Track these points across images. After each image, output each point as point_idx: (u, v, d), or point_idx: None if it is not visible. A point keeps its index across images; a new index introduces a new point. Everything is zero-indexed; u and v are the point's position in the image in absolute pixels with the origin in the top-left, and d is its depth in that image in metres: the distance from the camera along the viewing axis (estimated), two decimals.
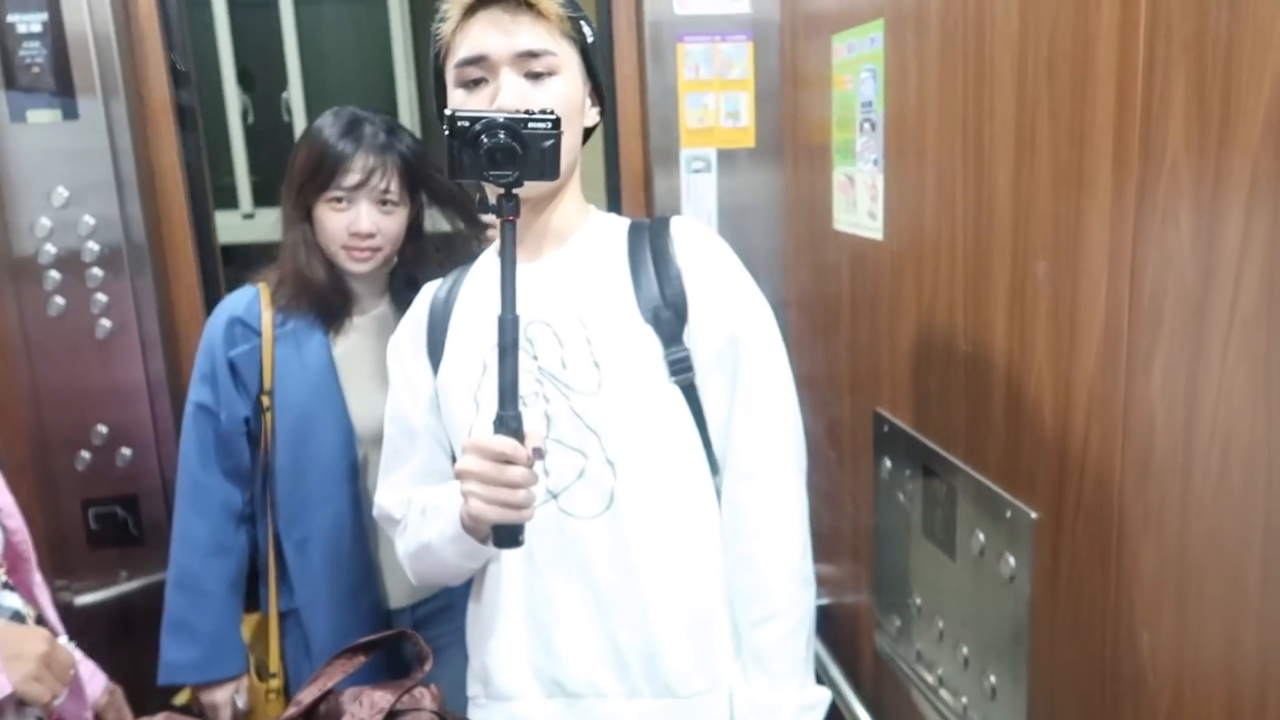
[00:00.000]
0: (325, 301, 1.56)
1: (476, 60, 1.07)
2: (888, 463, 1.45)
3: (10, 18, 1.73)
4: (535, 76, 1.07)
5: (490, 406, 1.10)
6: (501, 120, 0.92)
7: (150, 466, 1.86)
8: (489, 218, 1.05)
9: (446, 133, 0.92)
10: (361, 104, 1.60)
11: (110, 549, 1.85)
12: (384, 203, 1.52)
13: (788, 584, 1.13)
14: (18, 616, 1.18)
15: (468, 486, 0.97)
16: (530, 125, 0.93)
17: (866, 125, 1.46)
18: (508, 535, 0.99)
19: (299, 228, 1.54)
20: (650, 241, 1.15)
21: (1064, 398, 0.99)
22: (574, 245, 1.16)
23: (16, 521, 1.25)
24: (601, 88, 1.16)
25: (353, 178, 1.48)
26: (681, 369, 1.11)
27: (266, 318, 1.55)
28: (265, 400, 1.55)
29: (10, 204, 1.77)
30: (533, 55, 1.06)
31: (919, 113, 1.28)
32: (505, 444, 0.95)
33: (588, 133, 1.18)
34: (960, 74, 1.16)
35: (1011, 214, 1.07)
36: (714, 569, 1.14)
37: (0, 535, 1.21)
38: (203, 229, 1.96)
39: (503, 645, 1.14)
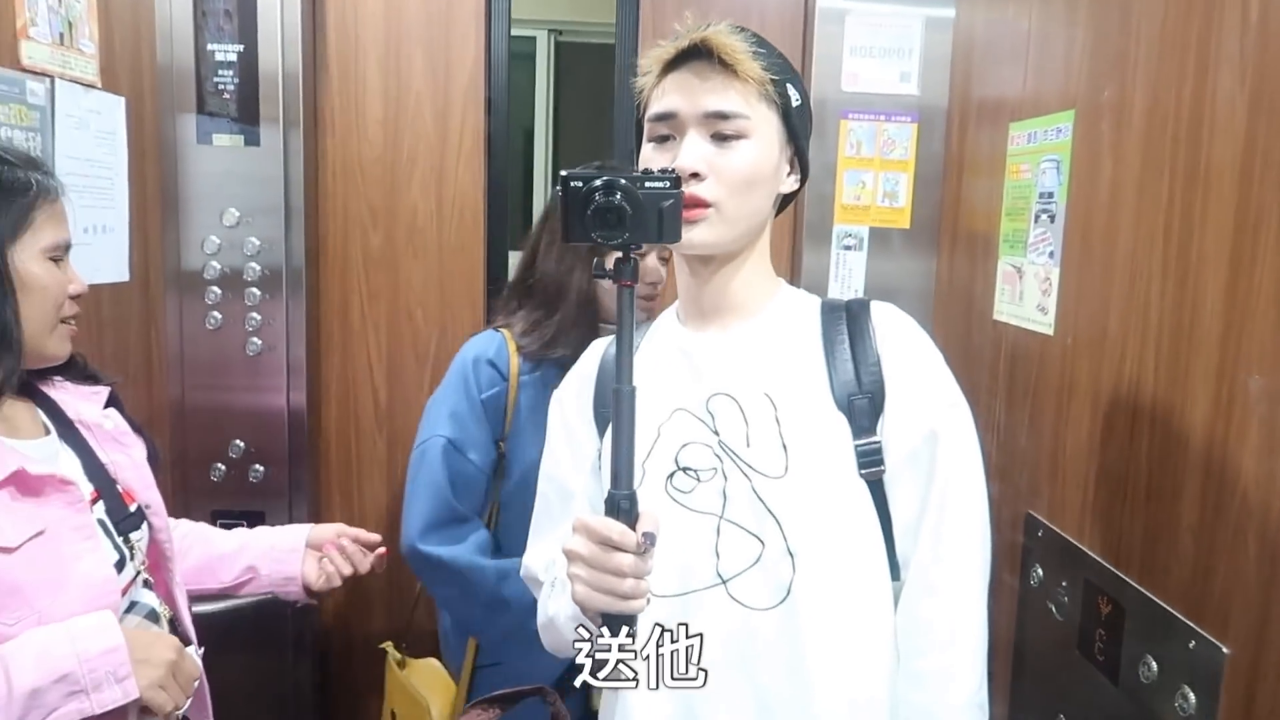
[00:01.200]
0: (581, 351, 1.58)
1: (665, 117, 1.05)
2: (1039, 570, 1.37)
3: (210, 46, 1.84)
4: (723, 138, 1.03)
5: (658, 476, 1.07)
6: (614, 181, 0.88)
7: (280, 485, 1.89)
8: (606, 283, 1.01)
9: (559, 193, 0.89)
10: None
11: None
12: (663, 259, 1.58)
13: (962, 710, 1.02)
14: (153, 615, 1.19)
15: (573, 569, 0.92)
16: (647, 185, 0.88)
17: (1044, 217, 1.41)
18: (617, 626, 0.92)
19: (581, 275, 1.55)
20: (848, 324, 1.09)
21: (1276, 530, 0.91)
22: (764, 319, 1.10)
23: (163, 520, 1.26)
24: (804, 153, 1.12)
25: None
26: (872, 462, 1.04)
27: (515, 363, 1.55)
28: (501, 446, 1.55)
29: (187, 219, 1.86)
30: (722, 117, 1.02)
31: (1111, 209, 1.23)
32: (612, 528, 0.89)
33: (787, 200, 1.15)
34: (1166, 172, 1.11)
35: (1221, 324, 1.00)
36: (885, 681, 1.05)
37: (146, 532, 1.23)
38: (494, 264, 2.08)
39: None
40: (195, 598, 1.39)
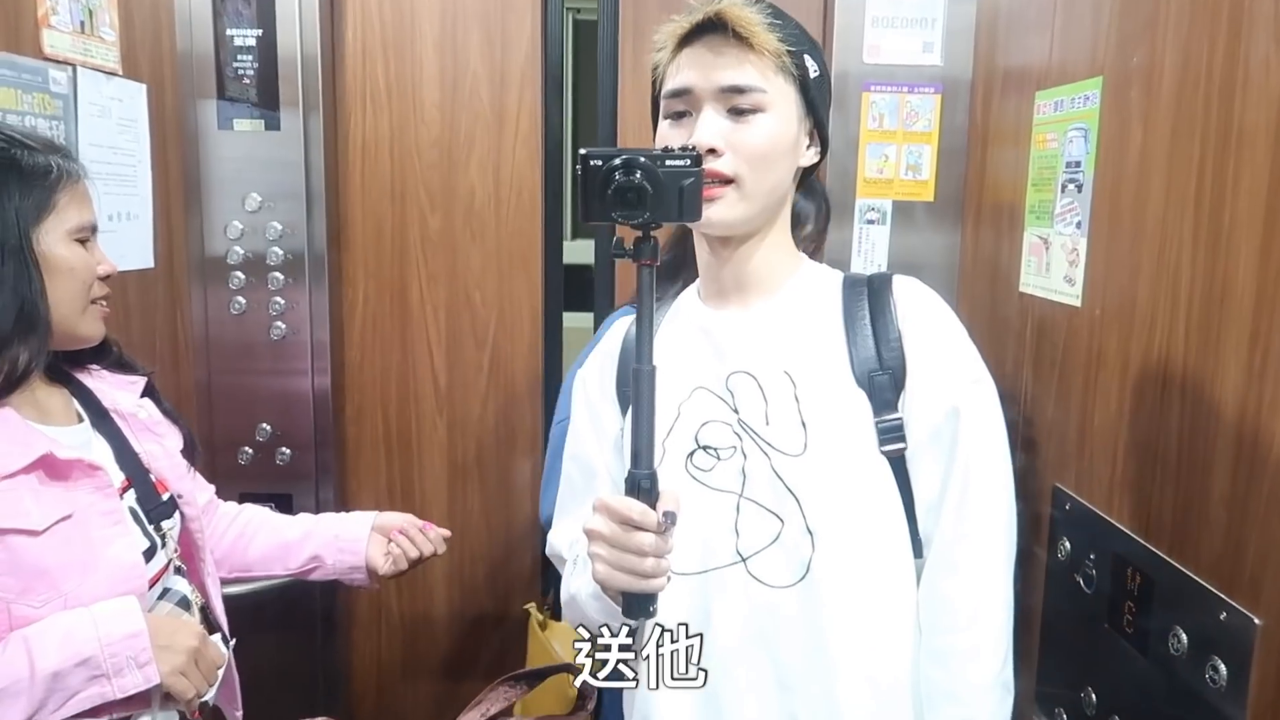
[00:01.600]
0: None
1: (681, 94, 1.03)
2: (1067, 543, 1.36)
3: (229, 30, 1.84)
4: (740, 113, 1.01)
5: (678, 454, 1.07)
6: (634, 160, 0.86)
7: (307, 468, 1.91)
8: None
9: (579, 171, 0.88)
10: None
11: None
12: None
13: (986, 689, 1.01)
14: (184, 602, 1.20)
15: (593, 549, 0.92)
16: (667, 163, 0.87)
17: (1070, 186, 1.39)
18: (637, 604, 0.92)
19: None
20: (869, 299, 1.07)
21: None
22: (785, 296, 1.09)
23: (195, 510, 1.28)
24: (824, 126, 1.10)
25: None
26: (893, 439, 1.02)
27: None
28: None
29: (210, 205, 1.87)
30: (738, 91, 1.01)
31: (1140, 176, 1.21)
32: (633, 507, 0.88)
33: (807, 173, 1.13)
34: (1198, 137, 1.08)
35: (1254, 290, 0.98)
36: (906, 659, 1.04)
37: (178, 521, 1.25)
38: (550, 246, 2.07)
39: (667, 708, 1.06)
40: (230, 581, 1.41)
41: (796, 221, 1.47)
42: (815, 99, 1.06)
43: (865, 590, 1.03)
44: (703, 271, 1.14)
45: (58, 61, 1.49)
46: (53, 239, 1.09)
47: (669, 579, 0.92)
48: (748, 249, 1.08)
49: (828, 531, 1.01)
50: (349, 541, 1.44)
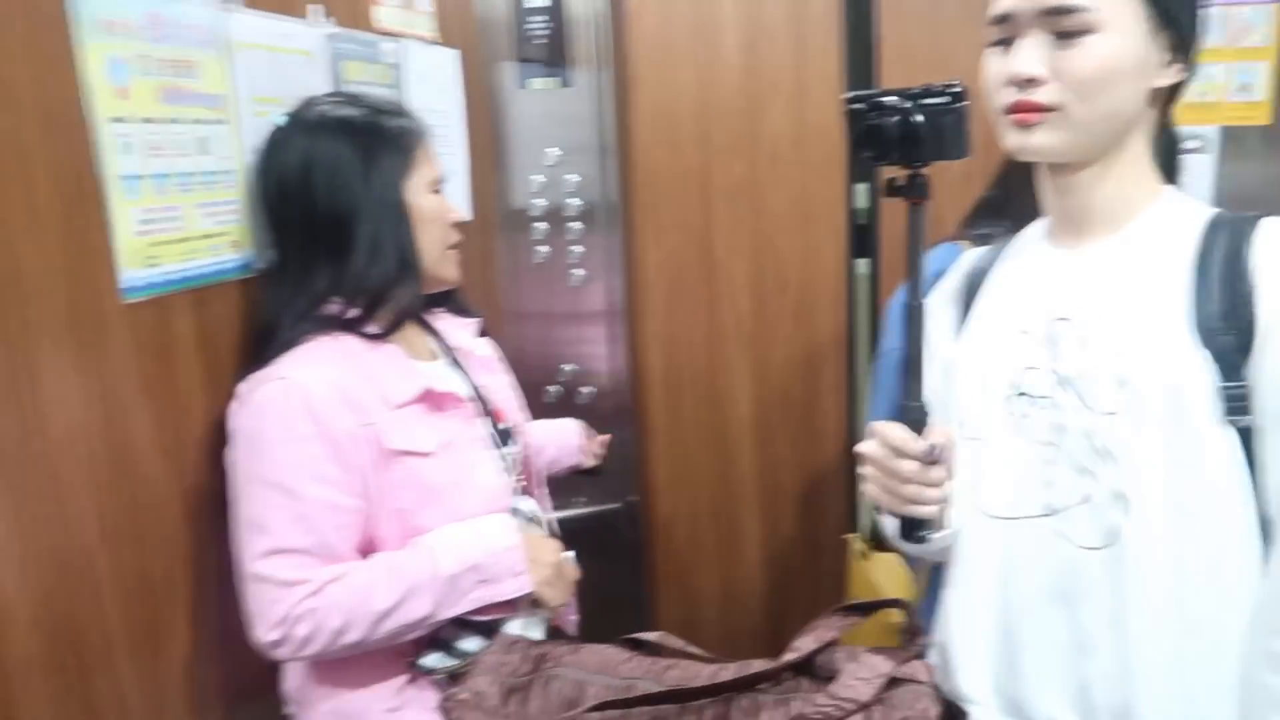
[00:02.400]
0: None
1: (1002, 20, 0.97)
2: None
3: None
4: (1066, 36, 0.93)
5: (997, 397, 1.04)
6: (892, 101, 0.87)
7: (607, 405, 2.04)
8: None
9: (844, 115, 0.90)
10: None
11: (569, 476, 1.98)
12: None
13: None
14: (534, 519, 1.34)
15: (864, 469, 0.98)
16: (924, 101, 0.87)
17: None
18: (908, 528, 1.00)
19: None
20: (1226, 244, 0.95)
21: None
22: (1128, 234, 1.00)
23: (528, 438, 1.41)
24: (1187, 39, 0.96)
25: None
26: (1233, 409, 0.91)
27: None
28: None
29: (511, 161, 2.01)
30: (1060, 12, 0.92)
31: None
32: (900, 434, 0.93)
33: (1172, 94, 1.01)
34: None
35: None
36: (1229, 656, 0.93)
37: (516, 448, 1.37)
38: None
39: (967, 647, 1.05)
40: None
41: None
42: (1171, 8, 0.95)
43: (1186, 571, 0.93)
44: (1046, 203, 1.09)
45: (389, 34, 1.64)
46: (416, 192, 1.22)
47: (938, 509, 0.98)
48: (1088, 177, 1.00)
49: (1142, 500, 0.94)
50: (570, 446, 1.67)
